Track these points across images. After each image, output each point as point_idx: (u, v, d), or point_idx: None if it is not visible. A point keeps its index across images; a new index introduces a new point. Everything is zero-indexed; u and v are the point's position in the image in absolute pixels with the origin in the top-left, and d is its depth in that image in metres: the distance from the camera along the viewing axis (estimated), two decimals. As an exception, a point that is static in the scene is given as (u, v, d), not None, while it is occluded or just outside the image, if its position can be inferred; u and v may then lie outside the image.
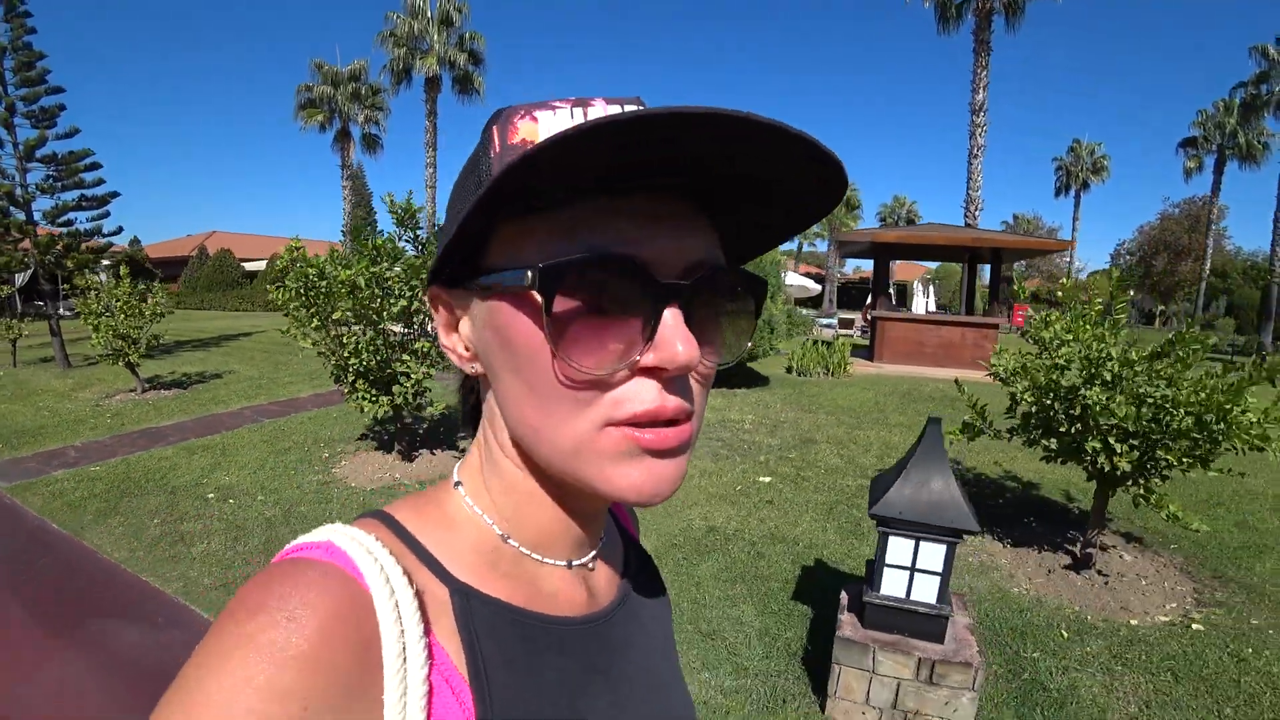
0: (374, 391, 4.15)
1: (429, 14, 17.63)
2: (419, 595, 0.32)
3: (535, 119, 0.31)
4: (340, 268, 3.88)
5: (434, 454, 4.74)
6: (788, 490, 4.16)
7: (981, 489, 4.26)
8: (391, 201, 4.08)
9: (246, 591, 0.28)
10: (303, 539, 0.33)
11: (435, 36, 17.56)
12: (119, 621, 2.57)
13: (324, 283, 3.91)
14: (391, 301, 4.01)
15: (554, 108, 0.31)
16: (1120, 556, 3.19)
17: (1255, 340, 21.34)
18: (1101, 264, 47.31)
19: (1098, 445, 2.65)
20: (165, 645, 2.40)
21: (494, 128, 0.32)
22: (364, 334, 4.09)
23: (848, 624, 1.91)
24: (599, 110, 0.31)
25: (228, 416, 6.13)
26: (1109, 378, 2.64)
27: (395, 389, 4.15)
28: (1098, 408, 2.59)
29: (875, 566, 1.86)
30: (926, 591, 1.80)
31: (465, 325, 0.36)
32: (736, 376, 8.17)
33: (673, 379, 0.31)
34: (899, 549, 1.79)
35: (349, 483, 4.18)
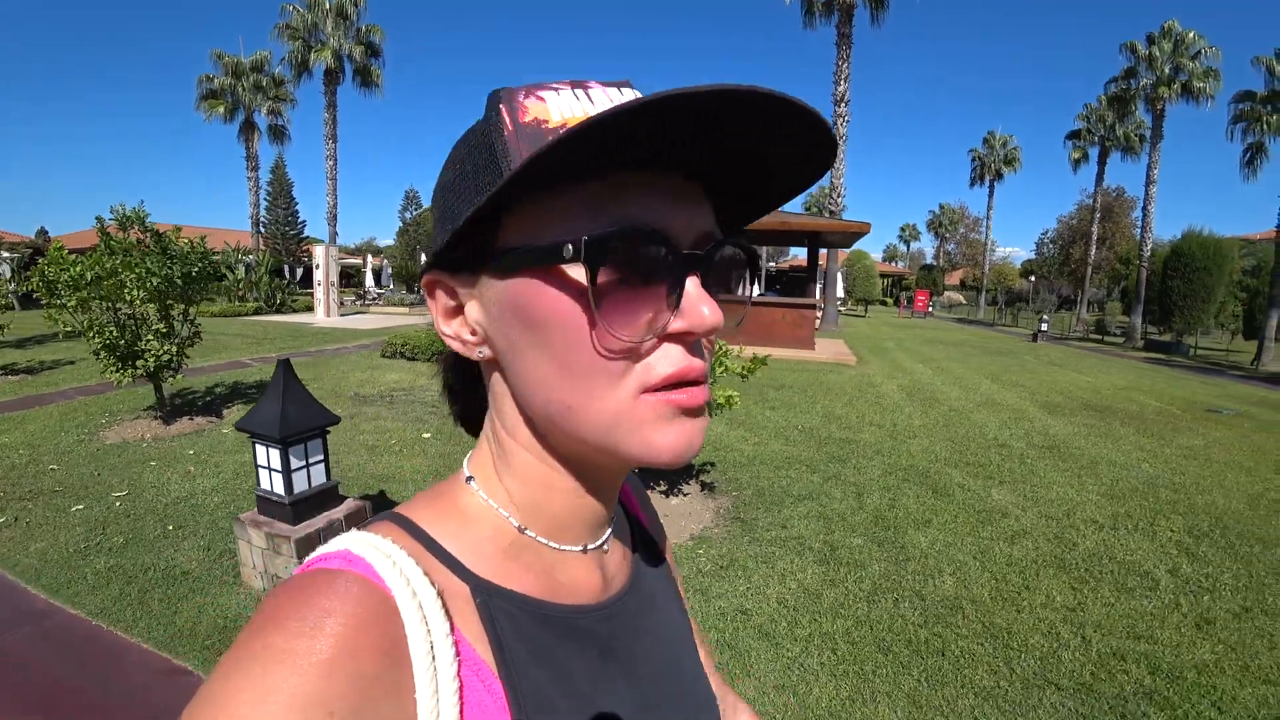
0: (118, 362, 4.93)
1: (326, 6, 17.93)
2: (441, 595, 0.32)
3: (542, 99, 0.32)
4: (60, 268, 4.64)
5: (192, 419, 5.55)
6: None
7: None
8: (123, 209, 4.84)
9: (267, 605, 0.29)
10: (320, 551, 0.33)
11: (330, 29, 17.88)
12: None
13: (58, 276, 4.67)
14: (128, 291, 4.78)
15: (554, 89, 0.33)
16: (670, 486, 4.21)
17: (1119, 321, 23.19)
18: (1028, 251, 49.69)
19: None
20: None
21: (501, 108, 0.32)
22: (102, 315, 4.87)
23: (248, 517, 2.77)
24: (597, 92, 0.33)
25: (54, 395, 6.78)
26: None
27: (139, 362, 4.95)
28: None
29: (255, 468, 2.79)
30: (279, 484, 2.68)
31: (473, 309, 0.36)
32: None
33: (694, 343, 0.33)
34: (262, 454, 2.73)
35: (105, 440, 4.97)
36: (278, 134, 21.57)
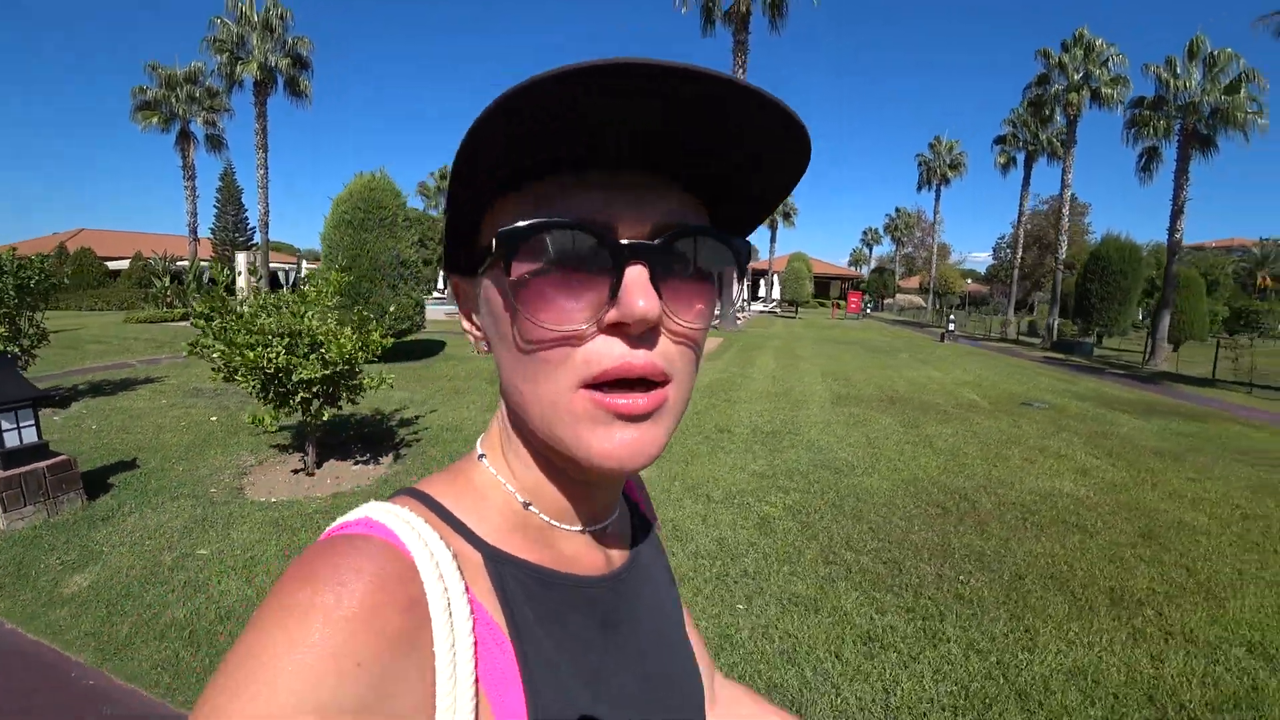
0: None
1: (253, 20, 18.40)
2: (456, 558, 0.34)
3: None
4: None
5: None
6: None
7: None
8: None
9: (295, 566, 0.30)
10: (341, 520, 0.35)
11: (256, 43, 18.35)
12: None
13: None
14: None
15: None
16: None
17: (1027, 320, 23.79)
18: (989, 255, 50.80)
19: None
20: None
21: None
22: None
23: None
24: None
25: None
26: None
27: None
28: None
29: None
30: None
31: (478, 307, 0.39)
32: (416, 350, 9.64)
33: (645, 337, 0.33)
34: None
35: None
36: (215, 143, 21.97)
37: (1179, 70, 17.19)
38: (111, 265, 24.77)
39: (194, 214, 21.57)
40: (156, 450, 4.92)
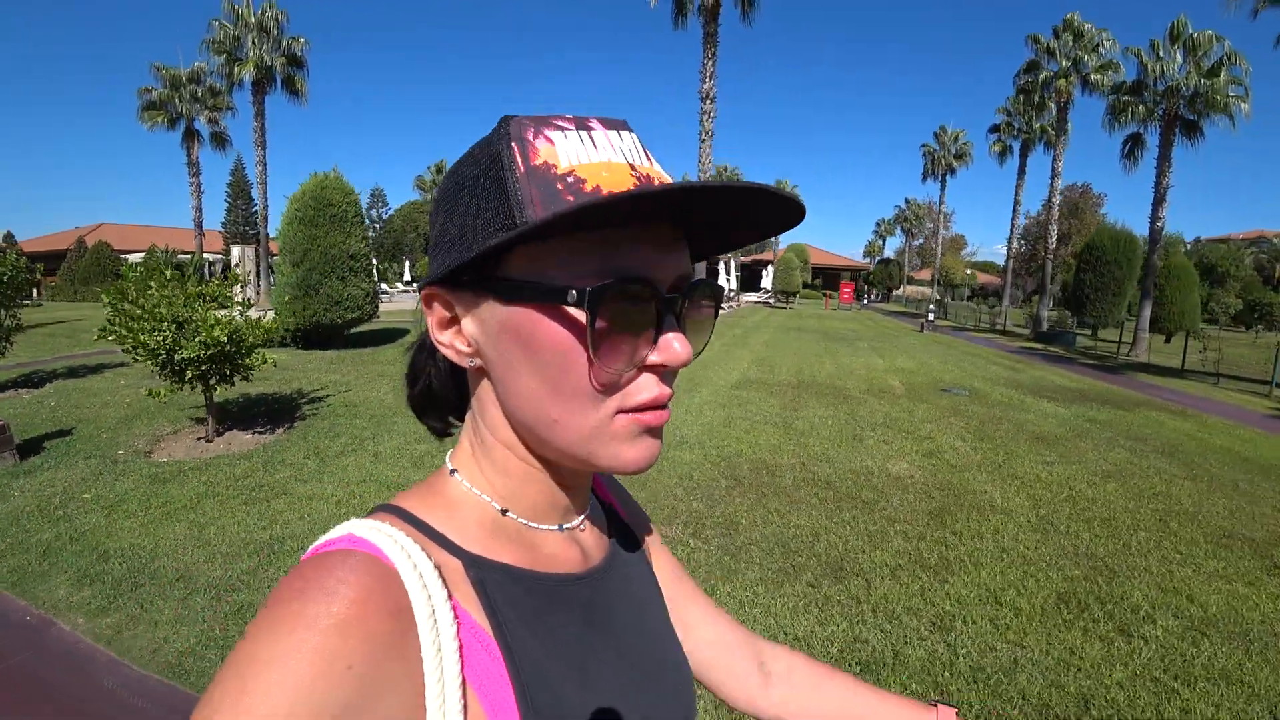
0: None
1: (249, 21, 19.30)
2: (438, 568, 0.36)
3: (550, 140, 0.36)
4: None
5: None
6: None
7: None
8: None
9: (285, 583, 0.31)
10: (324, 537, 0.37)
11: (252, 44, 19.25)
12: None
13: None
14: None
15: (560, 128, 0.36)
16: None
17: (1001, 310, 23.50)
18: (1003, 246, 49.72)
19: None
20: None
21: (513, 146, 0.35)
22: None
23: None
24: (599, 134, 0.37)
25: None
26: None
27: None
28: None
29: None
30: None
31: (469, 324, 0.40)
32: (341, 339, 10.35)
33: (665, 372, 0.38)
34: None
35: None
36: (219, 141, 23.05)
37: (1162, 54, 16.95)
38: (130, 258, 26.07)
39: (199, 209, 22.71)
40: (93, 422, 5.67)
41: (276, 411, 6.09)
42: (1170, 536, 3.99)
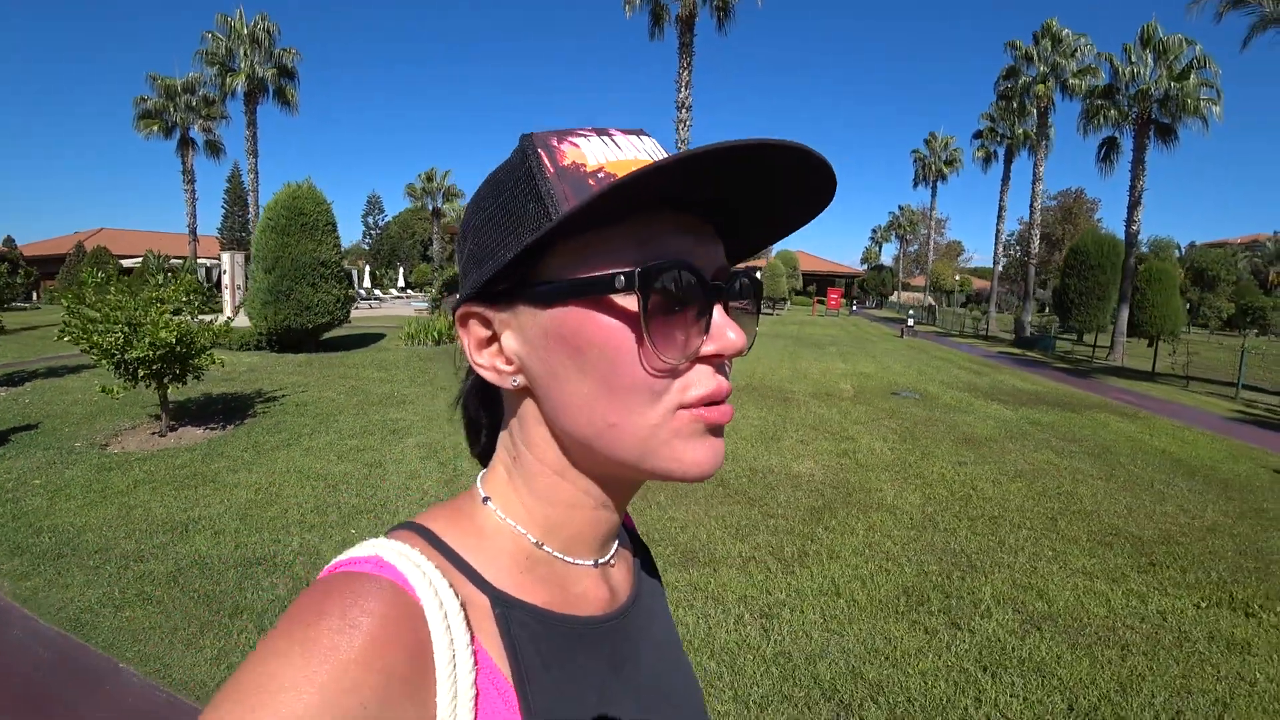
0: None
1: (242, 33, 19.86)
2: (464, 606, 0.34)
3: (575, 144, 0.36)
4: None
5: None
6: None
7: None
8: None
9: (306, 599, 0.31)
10: (350, 553, 0.35)
11: (244, 55, 19.80)
12: None
13: None
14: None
15: (582, 135, 0.36)
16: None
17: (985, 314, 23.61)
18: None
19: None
20: None
21: (540, 152, 0.35)
22: None
23: None
24: (621, 138, 0.37)
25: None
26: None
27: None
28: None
29: None
30: None
31: (509, 339, 0.38)
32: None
33: (721, 365, 0.37)
34: None
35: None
36: (214, 149, 23.61)
37: (1134, 58, 17.22)
38: (127, 263, 26.84)
39: (193, 215, 23.27)
40: (60, 417, 6.05)
41: (232, 410, 6.46)
42: (1051, 535, 4.04)
